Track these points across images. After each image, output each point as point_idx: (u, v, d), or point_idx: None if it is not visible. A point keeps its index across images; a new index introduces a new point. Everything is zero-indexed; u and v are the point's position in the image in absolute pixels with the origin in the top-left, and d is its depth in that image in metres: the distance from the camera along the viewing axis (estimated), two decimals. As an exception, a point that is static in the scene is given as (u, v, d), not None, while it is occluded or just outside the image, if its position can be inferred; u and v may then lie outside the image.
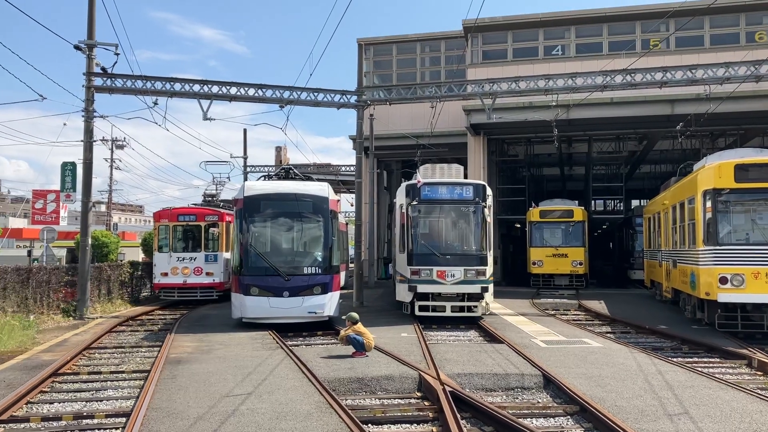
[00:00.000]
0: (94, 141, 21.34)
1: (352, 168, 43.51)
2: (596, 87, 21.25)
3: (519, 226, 37.90)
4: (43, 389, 10.55)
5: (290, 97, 22.11)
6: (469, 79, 29.09)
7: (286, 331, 16.33)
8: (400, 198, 18.71)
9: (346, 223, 24.43)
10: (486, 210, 17.98)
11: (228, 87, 21.87)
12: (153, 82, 21.34)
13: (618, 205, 45.96)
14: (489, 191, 18.53)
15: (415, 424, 8.45)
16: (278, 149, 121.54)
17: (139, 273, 27.09)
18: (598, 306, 21.93)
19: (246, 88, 21.94)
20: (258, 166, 43.93)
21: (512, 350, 12.88)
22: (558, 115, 23.37)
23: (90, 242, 21.12)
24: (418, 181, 18.12)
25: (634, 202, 50.73)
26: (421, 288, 17.48)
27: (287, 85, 22.07)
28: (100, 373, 11.84)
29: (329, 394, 9.13)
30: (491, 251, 18.46)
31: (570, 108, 26.54)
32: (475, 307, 17.49)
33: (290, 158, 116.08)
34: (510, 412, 8.84)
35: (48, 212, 51.93)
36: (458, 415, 8.10)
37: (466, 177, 29.56)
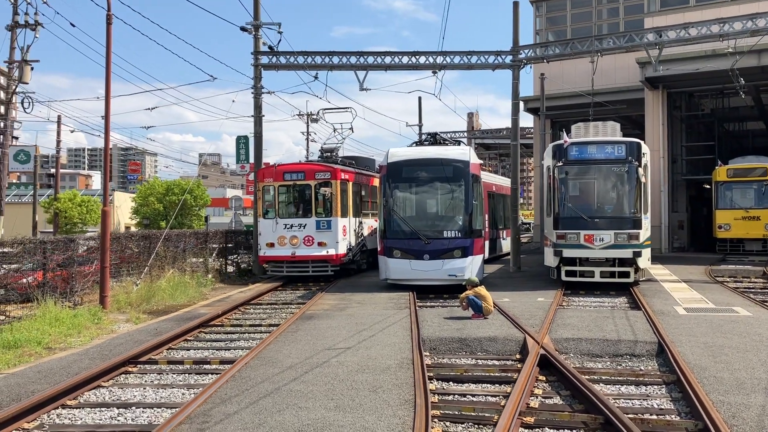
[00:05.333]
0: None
1: (531, 130, 42.55)
2: (781, 27, 18.75)
3: (709, 186, 34.66)
4: (188, 338, 11.94)
5: (443, 62, 22.18)
6: (646, 28, 27.03)
7: (429, 293, 16.75)
8: (547, 159, 18.11)
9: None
10: (640, 170, 16.81)
11: (383, 57, 22.47)
12: (313, 56, 22.54)
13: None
14: (645, 149, 17.29)
15: (497, 384, 8.42)
16: (470, 115, 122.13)
17: (235, 242, 23.75)
18: (786, 274, 19.63)
19: (400, 56, 22.39)
20: (431, 133, 44.28)
21: (645, 317, 12.15)
22: (735, 63, 20.92)
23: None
24: (565, 141, 17.39)
25: None
26: (567, 252, 16.89)
27: (440, 50, 22.17)
28: (241, 326, 13.10)
29: (419, 351, 9.36)
30: (647, 214, 17.27)
31: (761, 54, 23.68)
32: (627, 272, 16.56)
33: (482, 123, 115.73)
34: (601, 377, 8.53)
35: (260, 182, 57.08)
36: (533, 377, 7.97)
37: (642, 135, 27.76)
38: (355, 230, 21.18)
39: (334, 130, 23.48)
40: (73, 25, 35.44)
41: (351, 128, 23.73)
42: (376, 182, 22.69)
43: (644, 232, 16.85)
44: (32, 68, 25.00)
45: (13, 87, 25.90)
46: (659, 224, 28.30)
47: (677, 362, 8.50)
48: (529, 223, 49.34)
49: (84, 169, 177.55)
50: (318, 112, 23.95)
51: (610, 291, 16.61)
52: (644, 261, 16.87)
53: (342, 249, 19.91)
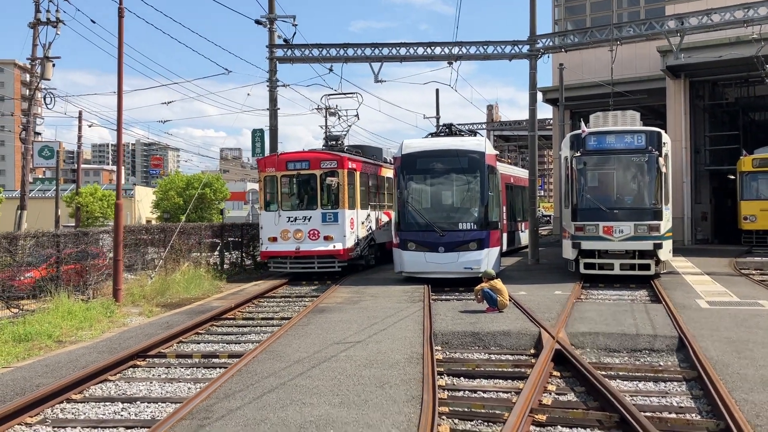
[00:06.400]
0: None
1: (551, 121, 42.07)
2: (808, 12, 18.19)
3: (733, 177, 33.94)
4: (199, 331, 11.83)
5: (459, 52, 21.87)
6: (667, 15, 26.47)
7: (444, 286, 16.51)
8: (565, 150, 17.76)
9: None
10: (660, 159, 16.41)
11: (398, 48, 22.21)
12: (328, 49, 22.34)
13: None
14: (666, 139, 16.88)
15: (509, 380, 8.19)
16: (489, 107, 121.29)
17: (251, 235, 22.37)
18: (813, 266, 19.12)
19: (415, 48, 22.12)
20: (446, 124, 43.91)
21: (665, 311, 11.82)
22: (760, 50, 20.34)
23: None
24: (583, 131, 17.04)
25: None
26: (586, 245, 16.54)
27: (455, 41, 21.85)
28: (253, 319, 12.99)
29: (430, 345, 9.15)
30: (668, 205, 16.88)
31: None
32: (648, 265, 16.19)
33: (502, 116, 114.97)
34: (618, 373, 8.27)
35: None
36: (546, 373, 7.73)
37: (664, 125, 27.19)
38: (363, 223, 19.86)
39: (339, 117, 22.62)
40: (94, 22, 35.59)
41: (356, 115, 22.75)
42: (385, 172, 22.23)
43: (665, 224, 16.46)
44: (54, 65, 25.18)
45: (36, 83, 26.11)
46: (682, 216, 27.76)
47: (698, 358, 8.21)
48: (550, 216, 48.87)
49: (108, 164, 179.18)
50: (322, 98, 23.01)
51: (630, 284, 16.26)
52: (665, 253, 16.48)
53: (350, 243, 18.63)
